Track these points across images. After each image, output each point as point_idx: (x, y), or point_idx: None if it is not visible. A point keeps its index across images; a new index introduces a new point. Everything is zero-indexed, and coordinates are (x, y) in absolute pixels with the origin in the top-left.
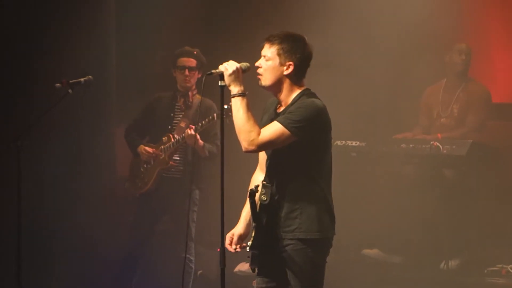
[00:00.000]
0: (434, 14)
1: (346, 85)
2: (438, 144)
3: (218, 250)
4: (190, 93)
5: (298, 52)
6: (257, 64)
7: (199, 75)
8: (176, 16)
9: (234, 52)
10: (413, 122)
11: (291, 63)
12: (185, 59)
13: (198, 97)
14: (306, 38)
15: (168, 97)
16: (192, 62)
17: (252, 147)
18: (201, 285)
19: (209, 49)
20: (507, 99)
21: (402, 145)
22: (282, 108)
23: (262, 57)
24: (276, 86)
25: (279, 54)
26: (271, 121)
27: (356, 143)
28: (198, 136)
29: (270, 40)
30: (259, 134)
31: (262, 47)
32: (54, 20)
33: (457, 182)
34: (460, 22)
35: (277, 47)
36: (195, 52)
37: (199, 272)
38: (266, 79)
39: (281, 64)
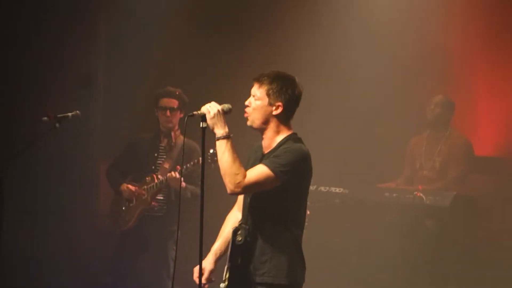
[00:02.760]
0: (420, 64)
1: (331, 130)
2: (421, 194)
3: None
4: (173, 134)
5: (287, 93)
6: (246, 102)
7: (181, 115)
8: (162, 55)
9: (217, 92)
10: (395, 171)
11: (280, 103)
12: (166, 99)
13: (181, 138)
14: (297, 79)
15: (151, 137)
16: (174, 102)
17: (238, 189)
18: None
19: (193, 88)
20: (491, 153)
21: (385, 193)
22: (267, 150)
23: (252, 96)
24: (264, 125)
25: (268, 95)
26: (258, 162)
27: (339, 190)
28: (180, 177)
29: (260, 80)
30: (245, 176)
31: (252, 86)
32: (43, 54)
33: (439, 233)
34: (446, 73)
35: (266, 87)
36: (177, 93)
37: None
38: (255, 118)
39: (270, 104)
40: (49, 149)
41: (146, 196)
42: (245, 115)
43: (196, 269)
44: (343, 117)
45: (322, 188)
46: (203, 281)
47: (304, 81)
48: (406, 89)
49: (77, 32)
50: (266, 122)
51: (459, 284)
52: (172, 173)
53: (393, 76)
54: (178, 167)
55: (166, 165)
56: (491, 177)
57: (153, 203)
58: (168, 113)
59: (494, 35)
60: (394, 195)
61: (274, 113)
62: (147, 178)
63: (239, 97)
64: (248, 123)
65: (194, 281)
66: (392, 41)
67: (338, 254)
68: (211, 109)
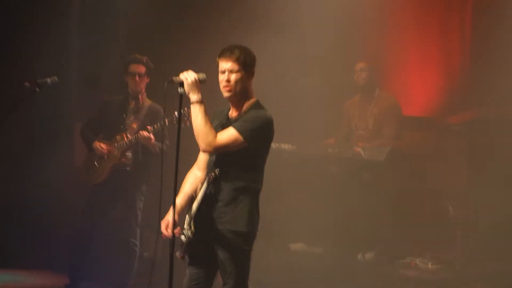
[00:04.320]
0: (359, 32)
1: (280, 93)
2: (360, 150)
3: (164, 237)
4: (140, 97)
5: (253, 61)
6: (224, 78)
7: (148, 80)
8: (132, 24)
9: (184, 59)
10: (336, 129)
11: (252, 71)
12: (135, 65)
13: (148, 101)
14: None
15: (120, 99)
16: (142, 68)
17: (209, 148)
18: (145, 266)
19: (164, 57)
20: (420, 113)
21: (329, 149)
22: (234, 114)
23: (226, 72)
24: (241, 94)
25: (244, 66)
26: (222, 126)
27: (288, 146)
28: (152, 137)
29: (230, 55)
30: (215, 137)
31: (217, 63)
32: (21, 26)
33: (375, 183)
34: (380, 40)
35: (241, 59)
36: (144, 60)
37: (145, 254)
38: (233, 90)
39: (247, 73)
40: (31, 111)
41: (116, 152)
42: (227, 89)
43: (163, 222)
44: (292, 85)
45: (272, 145)
46: (169, 231)
47: (254, 41)
48: (346, 54)
49: (52, 8)
50: (242, 91)
51: (391, 227)
52: (144, 132)
53: (335, 41)
54: (149, 127)
55: (134, 125)
56: (421, 134)
57: (122, 159)
58: (137, 78)
59: (425, 5)
60: (336, 150)
61: (249, 80)
62: (117, 137)
63: (200, 66)
64: (228, 95)
65: (158, 227)
66: (336, 10)
67: (287, 204)
68: (188, 76)
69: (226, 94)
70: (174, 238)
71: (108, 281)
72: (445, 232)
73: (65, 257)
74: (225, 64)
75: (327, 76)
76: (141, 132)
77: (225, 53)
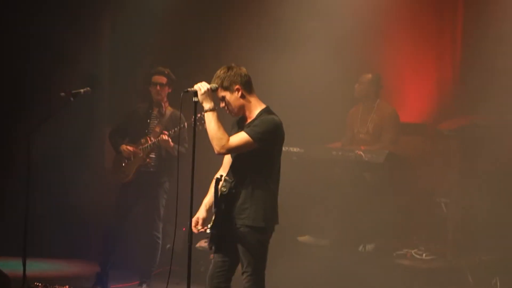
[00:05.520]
0: (359, 43)
1: (289, 101)
2: (361, 153)
3: (184, 229)
4: (163, 104)
5: (235, 77)
6: (222, 106)
7: (169, 90)
8: (158, 40)
9: (204, 73)
10: (340, 134)
11: (237, 86)
12: (157, 77)
13: (170, 109)
14: (233, 63)
15: (145, 107)
16: (163, 79)
17: (222, 150)
18: (168, 257)
19: (180, 69)
20: (416, 119)
21: (333, 152)
22: (247, 121)
23: (220, 101)
24: (241, 108)
25: (225, 88)
26: (240, 130)
27: (296, 149)
28: (170, 140)
29: (213, 87)
30: (228, 140)
31: (216, 98)
32: (62, 41)
33: (375, 183)
34: (378, 52)
35: (221, 86)
36: (166, 72)
37: (167, 246)
38: (232, 110)
39: (232, 92)
40: (67, 119)
41: (142, 154)
42: (228, 112)
43: (194, 219)
44: (299, 90)
45: (283, 148)
46: (199, 227)
47: (266, 57)
48: (348, 64)
49: (86, 25)
50: (240, 105)
51: (389, 222)
52: (163, 135)
53: (337, 51)
54: (165, 132)
55: (157, 129)
56: (416, 138)
57: (147, 160)
58: (158, 87)
59: (418, 18)
60: (340, 153)
61: (239, 95)
62: (142, 140)
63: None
64: (233, 115)
65: (181, 221)
66: (336, 22)
67: (295, 202)
68: (202, 87)
69: (233, 116)
70: (191, 232)
71: (134, 270)
72: (438, 226)
73: (96, 248)
74: (217, 96)
75: (332, 85)
76: (161, 135)
77: (211, 87)
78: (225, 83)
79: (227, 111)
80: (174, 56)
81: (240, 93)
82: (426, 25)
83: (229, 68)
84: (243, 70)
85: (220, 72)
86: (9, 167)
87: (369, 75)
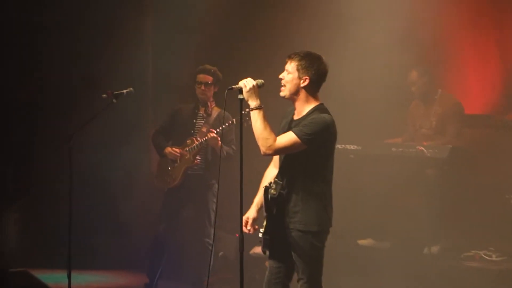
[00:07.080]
0: (417, 35)
1: (346, 99)
2: (423, 148)
3: (237, 235)
4: (209, 104)
5: (313, 69)
6: (280, 76)
7: (216, 89)
8: (202, 38)
9: (252, 69)
10: (401, 129)
11: (307, 77)
12: (202, 75)
13: (216, 108)
14: (323, 57)
15: (190, 106)
16: (209, 78)
17: (269, 151)
18: (222, 264)
19: (231, 66)
20: (480, 110)
21: (392, 148)
22: (297, 117)
23: (285, 71)
24: (294, 96)
25: (298, 69)
26: (288, 125)
27: (353, 147)
28: (219, 138)
29: (291, 57)
30: (275, 140)
31: (285, 63)
32: (105, 46)
33: (438, 180)
34: (439, 43)
35: (296, 63)
36: (212, 70)
37: (220, 253)
38: (286, 89)
39: (299, 78)
40: (110, 120)
41: (188, 156)
42: (281, 88)
43: (244, 218)
44: (357, 88)
45: (338, 146)
46: (249, 227)
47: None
48: (408, 58)
49: (128, 25)
50: (296, 93)
51: (455, 221)
52: (210, 133)
53: (396, 45)
54: (212, 130)
55: (204, 129)
56: (481, 131)
57: (195, 161)
58: (203, 87)
59: (479, 5)
60: (400, 149)
61: (302, 85)
62: (187, 141)
63: (268, 73)
64: (281, 94)
65: (233, 226)
66: (392, 13)
67: (354, 202)
68: (247, 83)
69: (280, 93)
70: (242, 237)
71: (185, 279)
72: (508, 224)
73: (144, 257)
74: (286, 64)
75: (392, 79)
76: (208, 133)
77: (290, 54)
78: (302, 65)
79: (281, 88)
80: (217, 54)
81: (305, 84)
82: (487, 11)
83: (313, 56)
84: (324, 67)
85: (304, 51)
86: (52, 175)
87: (414, 73)
